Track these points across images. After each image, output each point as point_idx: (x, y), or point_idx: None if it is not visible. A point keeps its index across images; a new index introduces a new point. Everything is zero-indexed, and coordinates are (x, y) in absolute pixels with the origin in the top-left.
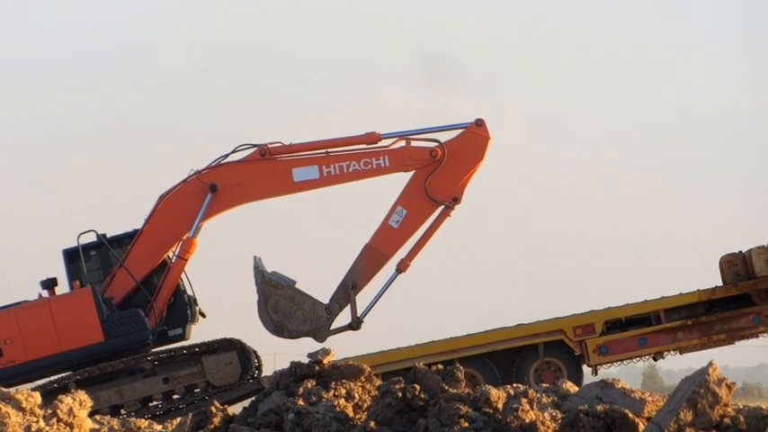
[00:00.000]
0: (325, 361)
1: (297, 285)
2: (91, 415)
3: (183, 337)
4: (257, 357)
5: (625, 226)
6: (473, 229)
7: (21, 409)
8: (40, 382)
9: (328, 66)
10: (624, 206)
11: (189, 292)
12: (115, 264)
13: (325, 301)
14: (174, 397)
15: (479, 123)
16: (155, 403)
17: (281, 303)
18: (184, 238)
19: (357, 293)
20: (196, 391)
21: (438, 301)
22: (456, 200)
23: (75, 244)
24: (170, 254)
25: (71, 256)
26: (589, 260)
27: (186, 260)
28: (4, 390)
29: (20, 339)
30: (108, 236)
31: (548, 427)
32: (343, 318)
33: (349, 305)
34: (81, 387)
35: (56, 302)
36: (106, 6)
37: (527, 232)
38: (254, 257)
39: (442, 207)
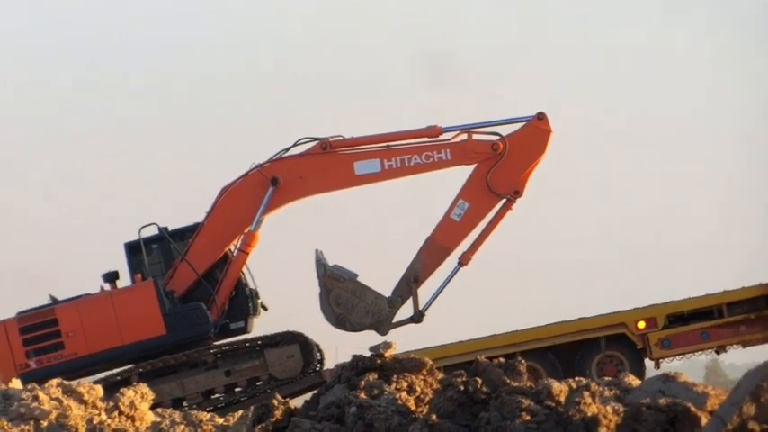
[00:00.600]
0: (386, 354)
1: (359, 278)
2: (153, 408)
3: (244, 329)
4: (320, 350)
5: (683, 220)
6: (533, 223)
7: (83, 401)
8: (102, 375)
9: (328, 66)
10: (678, 201)
11: (251, 284)
12: (177, 257)
13: (387, 294)
14: (237, 390)
15: (541, 117)
16: (217, 396)
17: (343, 296)
18: (246, 231)
19: (419, 286)
20: (258, 383)
21: (500, 294)
22: (518, 193)
23: (137, 237)
24: (231, 247)
25: (133, 249)
26: (651, 253)
27: (248, 253)
28: (67, 383)
29: (82, 332)
30: (169, 229)
31: (610, 421)
32: (406, 311)
33: (411, 298)
34: (143, 380)
35: (118, 295)
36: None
37: (587, 225)
38: (316, 251)
39: (504, 200)
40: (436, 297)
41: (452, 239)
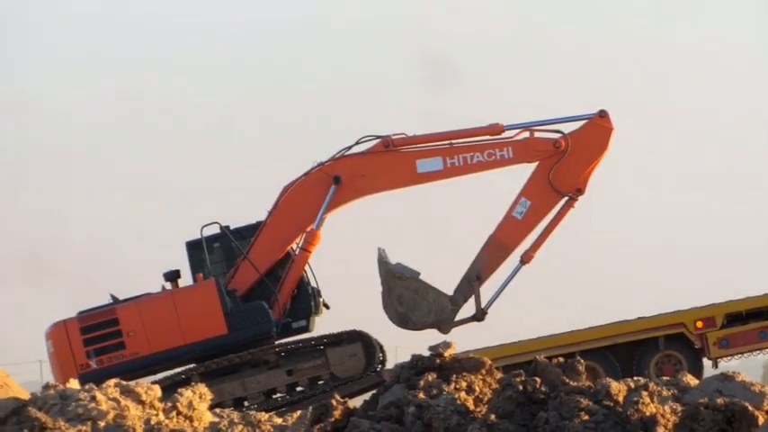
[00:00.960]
0: (446, 354)
1: (421, 277)
2: (213, 408)
3: (306, 329)
4: (382, 350)
5: (740, 219)
6: (590, 222)
7: (140, 402)
8: (163, 375)
9: (327, 67)
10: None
11: (312, 283)
12: (238, 256)
13: (450, 292)
14: (298, 389)
15: (602, 114)
16: (278, 395)
17: (406, 295)
18: (308, 229)
19: (481, 285)
20: (320, 383)
21: (559, 293)
22: (580, 191)
23: (198, 236)
24: (294, 246)
25: (194, 247)
26: (709, 252)
27: (310, 252)
28: (124, 383)
29: (143, 332)
30: (231, 228)
31: (668, 420)
32: (468, 310)
33: (473, 296)
34: (205, 380)
35: (179, 294)
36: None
37: (646, 223)
38: (378, 249)
39: (566, 198)
40: (498, 295)
41: (514, 238)
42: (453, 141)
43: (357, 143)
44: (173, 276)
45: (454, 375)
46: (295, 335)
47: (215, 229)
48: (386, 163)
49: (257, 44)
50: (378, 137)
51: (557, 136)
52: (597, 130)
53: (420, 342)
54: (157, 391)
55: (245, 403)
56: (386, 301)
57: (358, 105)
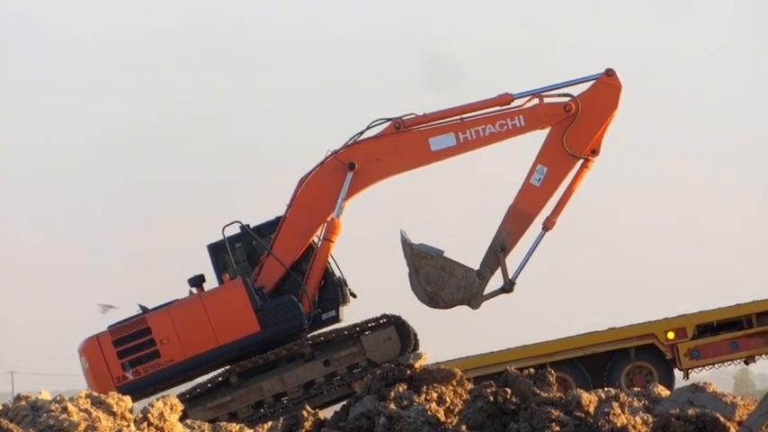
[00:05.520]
0: (416, 365)
1: (445, 254)
2: (256, 406)
3: (336, 319)
4: (414, 332)
5: (712, 231)
6: (563, 235)
7: (112, 413)
8: (201, 379)
9: (328, 68)
10: (697, 211)
11: (337, 273)
12: (261, 253)
13: (475, 266)
14: (335, 379)
15: (610, 73)
16: (317, 387)
17: (433, 274)
18: (328, 219)
19: (506, 256)
20: (356, 370)
21: (530, 304)
22: (594, 152)
23: (219, 238)
24: (315, 238)
25: (216, 249)
26: (680, 264)
27: (332, 241)
28: (96, 394)
29: (176, 338)
30: (250, 226)
31: (639, 431)
32: (495, 282)
33: (500, 269)
34: (242, 380)
35: (208, 297)
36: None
37: (617, 234)
38: (401, 231)
39: (582, 161)
40: (525, 264)
41: (535, 205)
42: (464, 116)
43: (368, 128)
44: (198, 281)
45: (425, 386)
46: (325, 326)
47: (234, 230)
48: (399, 144)
49: (264, 45)
50: (388, 119)
51: (566, 99)
52: (606, 89)
53: None
54: (128, 402)
55: (284, 399)
56: (413, 282)
57: (360, 105)
